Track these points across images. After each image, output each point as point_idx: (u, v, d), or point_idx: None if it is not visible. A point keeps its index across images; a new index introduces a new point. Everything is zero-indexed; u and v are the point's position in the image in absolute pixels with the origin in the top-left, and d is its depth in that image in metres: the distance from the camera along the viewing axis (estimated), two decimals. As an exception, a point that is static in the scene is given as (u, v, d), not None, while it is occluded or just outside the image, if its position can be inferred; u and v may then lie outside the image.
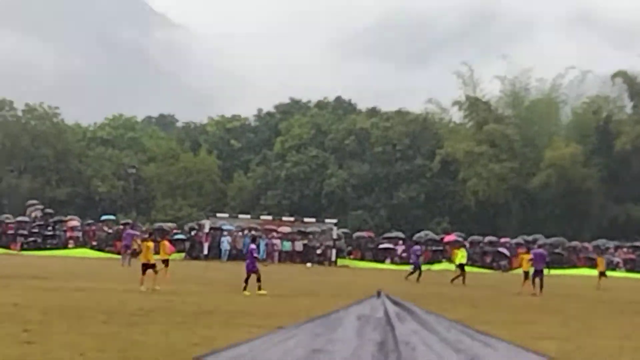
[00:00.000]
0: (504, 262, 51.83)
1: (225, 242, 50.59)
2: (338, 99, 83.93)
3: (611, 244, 55.60)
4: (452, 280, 33.73)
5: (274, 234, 52.50)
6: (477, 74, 71.84)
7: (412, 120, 72.55)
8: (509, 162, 65.58)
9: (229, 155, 77.97)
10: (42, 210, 54.57)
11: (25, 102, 75.12)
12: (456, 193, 67.99)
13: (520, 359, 3.08)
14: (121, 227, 50.39)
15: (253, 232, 49.63)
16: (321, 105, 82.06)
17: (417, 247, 39.67)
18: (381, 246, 53.53)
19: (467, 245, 49.21)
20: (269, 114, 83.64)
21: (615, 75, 69.33)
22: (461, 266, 34.62)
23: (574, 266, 52.28)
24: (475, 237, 54.72)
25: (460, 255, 35.17)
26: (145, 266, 24.04)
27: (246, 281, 23.57)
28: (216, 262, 46.50)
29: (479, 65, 77.94)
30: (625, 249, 55.21)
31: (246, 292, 23.01)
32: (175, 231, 52.11)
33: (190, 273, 32.48)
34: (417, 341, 2.86)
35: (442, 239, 54.60)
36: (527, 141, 67.74)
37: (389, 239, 54.64)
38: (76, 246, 50.05)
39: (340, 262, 50.96)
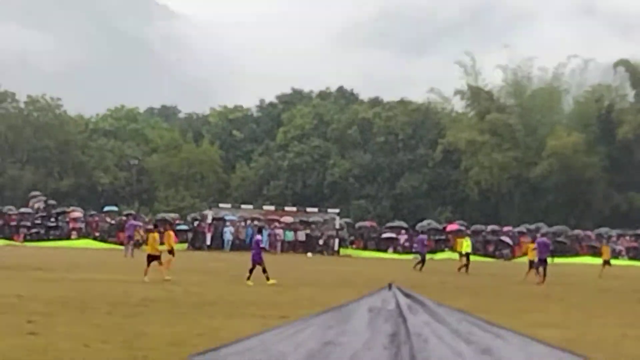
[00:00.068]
0: (506, 251, 51.93)
1: (228, 233, 50.68)
2: (340, 89, 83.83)
3: (614, 233, 55.67)
4: (459, 269, 34.00)
5: (277, 224, 52.58)
6: (479, 63, 71.93)
7: (414, 110, 72.52)
8: (511, 151, 65.56)
9: (231, 146, 77.94)
10: (45, 201, 54.66)
11: (27, 94, 75.08)
12: (458, 182, 68.04)
13: (531, 349, 3.07)
14: (124, 218, 50.48)
15: (256, 223, 49.72)
16: (323, 95, 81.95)
17: (423, 236, 39.78)
18: (384, 236, 53.62)
19: (470, 234, 49.27)
20: (271, 104, 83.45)
21: (617, 64, 69.20)
22: (467, 255, 34.73)
23: (577, 254, 52.41)
24: (478, 226, 54.80)
25: (466, 245, 35.28)
26: (151, 257, 24.04)
27: (250, 271, 23.58)
28: (219, 253, 46.59)
29: (481, 55, 78.05)
30: (627, 237, 55.29)
31: (249, 282, 23.02)
32: (177, 222, 52.19)
33: (193, 263, 32.50)
34: (428, 333, 2.86)
35: (444, 228, 54.71)
36: (529, 130, 67.67)
37: (392, 229, 54.71)
38: (79, 237, 50.17)
39: (342, 251, 51.09)
